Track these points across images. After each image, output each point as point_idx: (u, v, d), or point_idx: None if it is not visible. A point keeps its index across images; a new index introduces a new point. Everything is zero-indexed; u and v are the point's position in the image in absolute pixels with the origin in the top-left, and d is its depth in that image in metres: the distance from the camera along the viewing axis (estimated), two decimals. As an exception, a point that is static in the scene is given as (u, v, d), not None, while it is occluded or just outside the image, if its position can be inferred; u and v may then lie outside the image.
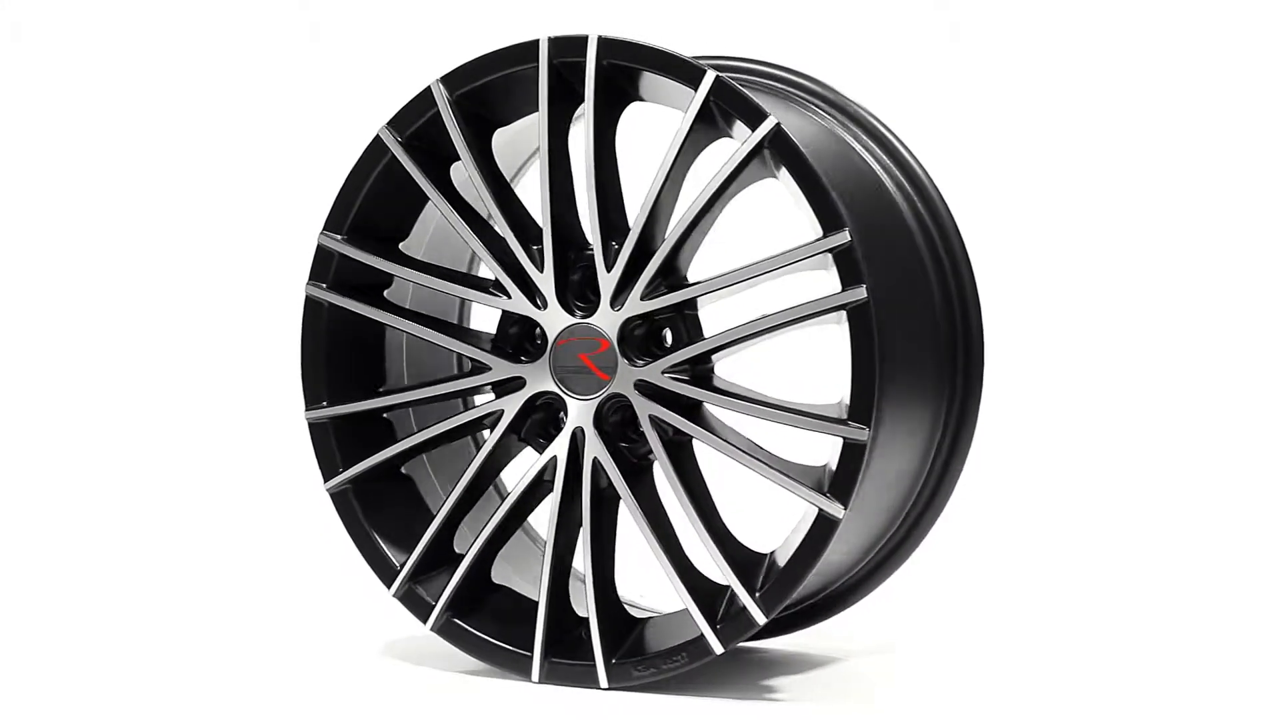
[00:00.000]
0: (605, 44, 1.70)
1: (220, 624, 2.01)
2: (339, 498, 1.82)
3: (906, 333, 1.76)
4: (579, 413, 1.74)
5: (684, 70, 1.68)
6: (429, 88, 1.76)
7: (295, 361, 1.83)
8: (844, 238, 1.63)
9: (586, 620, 1.74)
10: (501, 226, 1.75)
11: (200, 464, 2.81)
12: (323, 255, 1.81)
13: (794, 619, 1.89)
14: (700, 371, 1.73)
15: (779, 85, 1.89)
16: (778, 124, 1.64)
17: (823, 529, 1.65)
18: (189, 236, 3.02)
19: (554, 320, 1.75)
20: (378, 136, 1.78)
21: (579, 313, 1.74)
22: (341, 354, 1.85)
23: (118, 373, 2.96)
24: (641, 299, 1.71)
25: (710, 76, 1.66)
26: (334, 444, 1.83)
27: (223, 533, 2.51)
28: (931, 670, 1.87)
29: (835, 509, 1.64)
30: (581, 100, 1.72)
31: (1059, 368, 2.90)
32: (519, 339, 1.80)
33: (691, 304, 1.74)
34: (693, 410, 1.71)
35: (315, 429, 1.83)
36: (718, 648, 1.69)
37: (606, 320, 1.73)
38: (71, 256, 3.03)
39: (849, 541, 1.80)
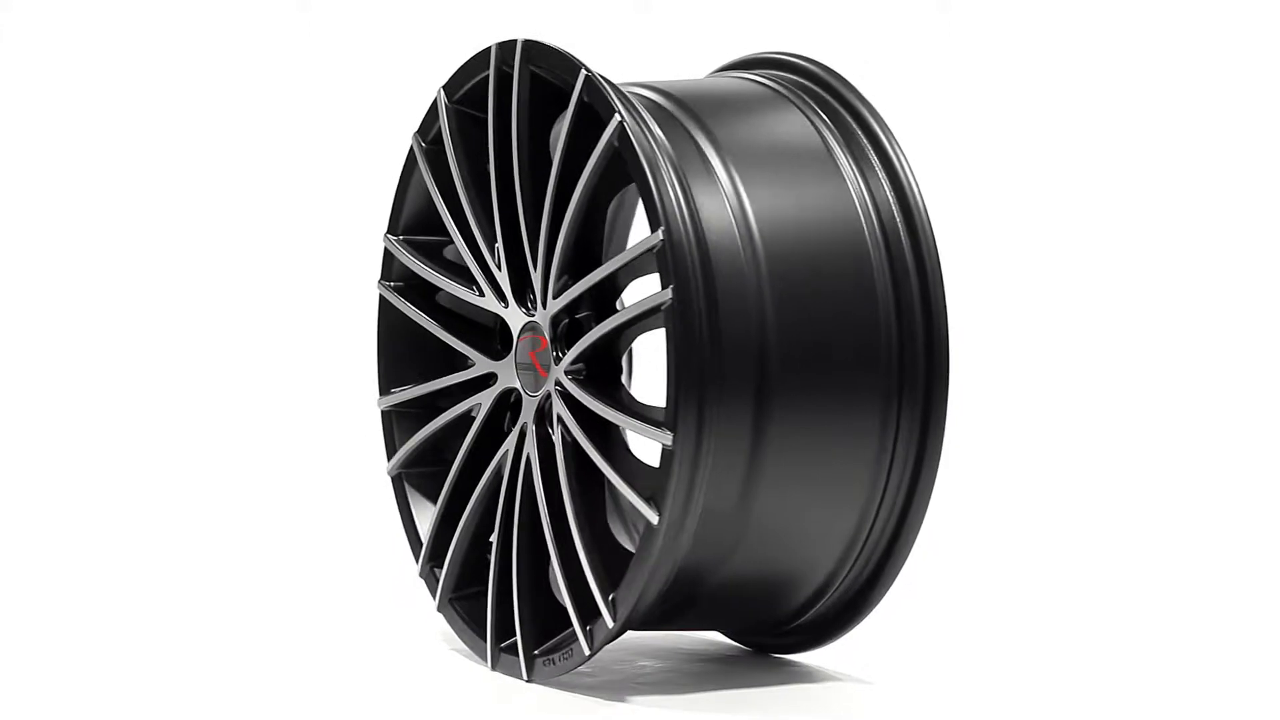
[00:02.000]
0: (526, 48, 1.73)
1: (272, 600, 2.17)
2: (395, 481, 1.95)
3: (818, 340, 1.65)
4: (527, 408, 1.78)
5: (569, 71, 1.68)
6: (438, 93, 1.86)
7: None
8: (658, 238, 1.58)
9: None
10: (475, 224, 1.81)
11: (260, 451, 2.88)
12: (386, 255, 1.95)
13: (791, 640, 1.82)
14: (602, 371, 1.72)
15: (805, 82, 1.81)
16: (621, 123, 1.62)
17: (647, 536, 1.61)
18: (192, 235, 3.08)
19: (514, 317, 1.79)
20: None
21: (530, 310, 1.78)
22: (412, 346, 1.96)
23: (115, 373, 3.03)
24: (553, 297, 1.73)
25: (581, 75, 1.66)
26: (394, 431, 1.96)
27: (284, 519, 2.60)
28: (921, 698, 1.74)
29: (652, 515, 1.59)
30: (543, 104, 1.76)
31: (1063, 376, 2.73)
32: (507, 336, 1.85)
33: (605, 302, 1.73)
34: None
35: (383, 417, 1.97)
36: (585, 649, 1.68)
37: (542, 317, 1.75)
38: (65, 255, 3.11)
39: (788, 551, 1.72)
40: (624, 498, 1.66)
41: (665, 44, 2.84)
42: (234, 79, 3.10)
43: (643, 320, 1.63)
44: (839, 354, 1.66)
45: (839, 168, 1.72)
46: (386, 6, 3.04)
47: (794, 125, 1.75)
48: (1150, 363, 2.85)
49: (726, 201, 1.66)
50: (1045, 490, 2.63)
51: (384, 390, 1.96)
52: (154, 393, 3.01)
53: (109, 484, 2.74)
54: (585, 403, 1.68)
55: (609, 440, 1.71)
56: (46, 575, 2.28)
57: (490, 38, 1.81)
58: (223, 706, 1.71)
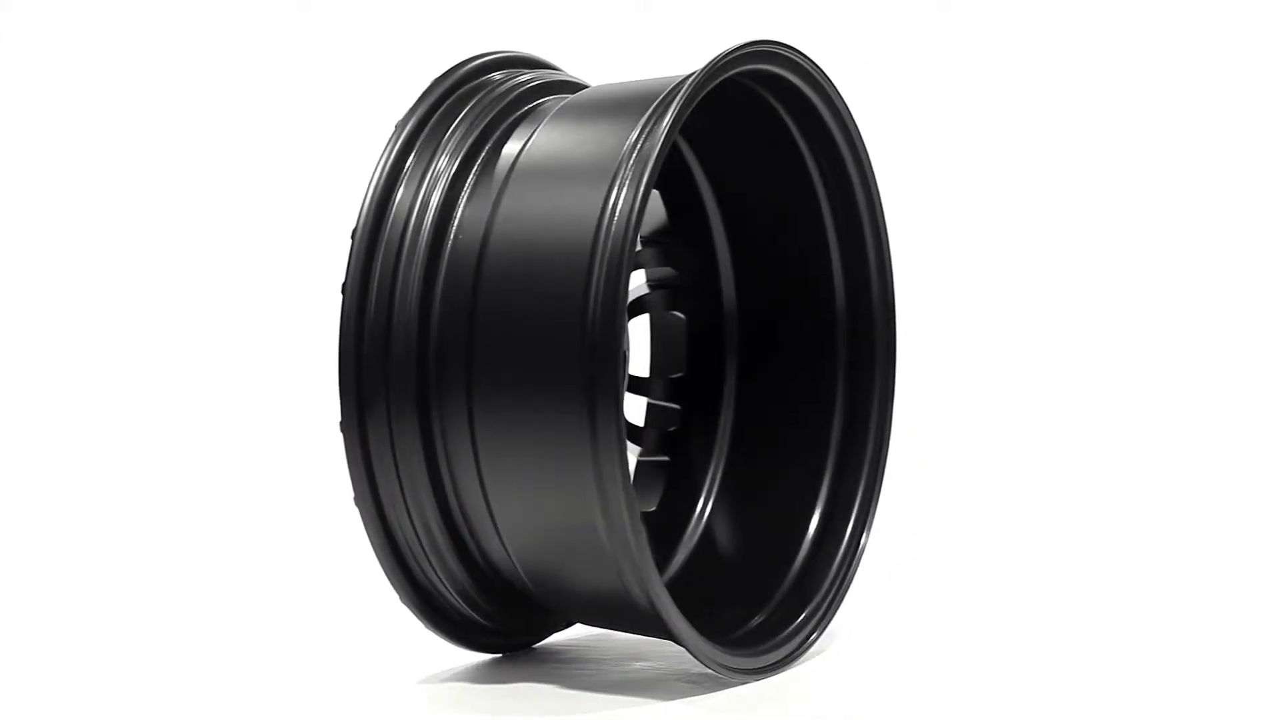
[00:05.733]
0: None
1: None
2: None
3: (517, 344, 1.65)
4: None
5: None
6: None
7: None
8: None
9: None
10: None
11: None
12: None
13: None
14: None
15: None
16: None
17: None
18: (191, 235, 3.10)
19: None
20: None
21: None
22: None
23: (114, 374, 3.05)
24: None
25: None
26: None
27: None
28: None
29: None
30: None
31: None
32: None
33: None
34: None
35: None
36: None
37: None
38: (64, 255, 3.12)
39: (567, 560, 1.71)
40: None
41: (665, 44, 2.86)
42: (234, 79, 3.11)
43: None
44: (540, 360, 1.64)
45: (614, 176, 1.66)
46: (386, 6, 3.05)
47: (617, 129, 1.71)
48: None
49: (489, 205, 1.70)
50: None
51: None
52: (155, 393, 3.03)
53: (124, 484, 2.78)
54: None
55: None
56: (47, 578, 2.30)
57: (490, 38, 1.83)
58: (220, 704, 1.72)
